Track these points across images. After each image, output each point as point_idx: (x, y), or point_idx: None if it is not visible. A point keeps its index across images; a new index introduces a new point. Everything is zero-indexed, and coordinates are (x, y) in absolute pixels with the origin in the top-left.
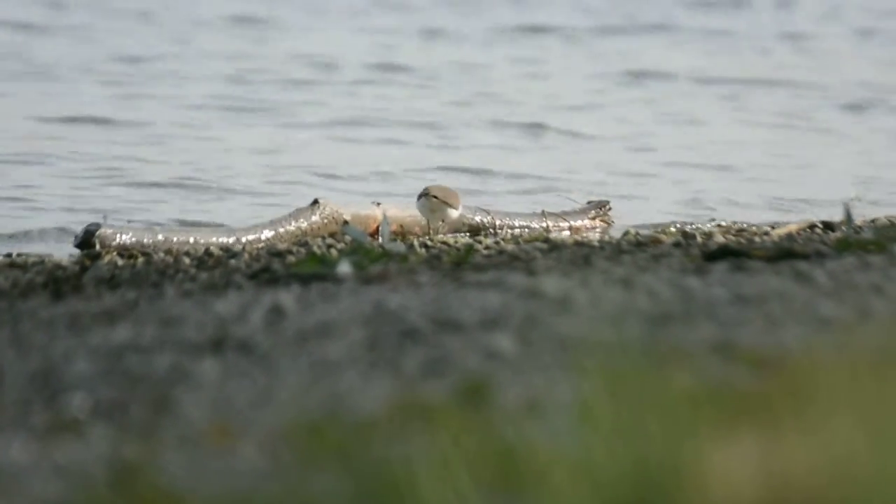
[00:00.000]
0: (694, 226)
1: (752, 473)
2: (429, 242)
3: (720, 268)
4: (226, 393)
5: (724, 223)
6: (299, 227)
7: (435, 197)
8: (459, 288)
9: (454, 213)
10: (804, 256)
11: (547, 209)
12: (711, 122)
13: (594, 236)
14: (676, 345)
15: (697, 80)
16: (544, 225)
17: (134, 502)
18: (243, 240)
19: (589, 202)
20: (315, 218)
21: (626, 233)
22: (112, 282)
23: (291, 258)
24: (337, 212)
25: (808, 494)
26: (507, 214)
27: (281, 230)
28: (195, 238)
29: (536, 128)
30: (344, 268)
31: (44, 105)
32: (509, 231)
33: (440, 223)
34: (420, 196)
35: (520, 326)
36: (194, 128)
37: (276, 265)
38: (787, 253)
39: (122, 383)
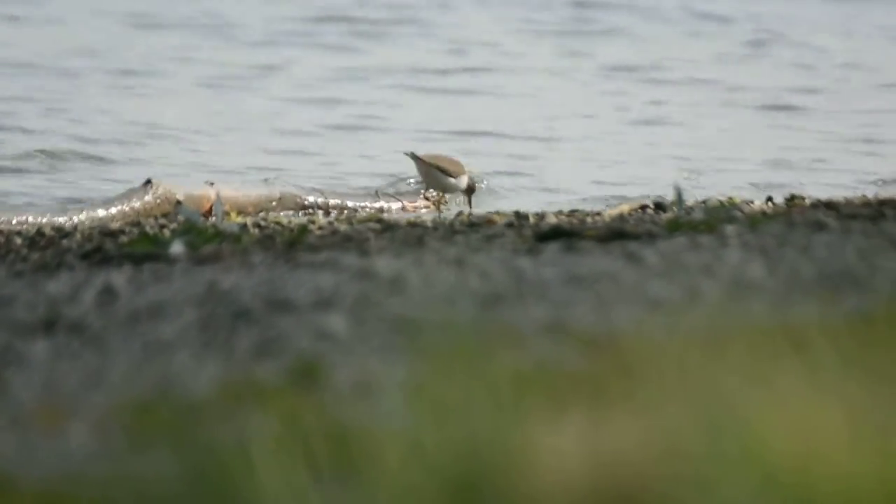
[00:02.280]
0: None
1: (582, 453)
2: (262, 223)
3: (552, 248)
4: (57, 374)
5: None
6: (132, 207)
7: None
8: (293, 268)
9: (453, 182)
10: (635, 237)
11: (381, 190)
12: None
13: (428, 216)
14: (508, 325)
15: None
16: (378, 206)
17: None
18: (75, 220)
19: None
20: (148, 198)
21: (459, 213)
22: None
23: (124, 238)
24: (170, 192)
25: (638, 474)
26: (341, 195)
27: (113, 210)
28: (28, 217)
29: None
30: (176, 248)
31: None
32: (343, 212)
33: (442, 193)
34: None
35: (352, 307)
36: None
37: (109, 245)
38: (618, 233)
39: None
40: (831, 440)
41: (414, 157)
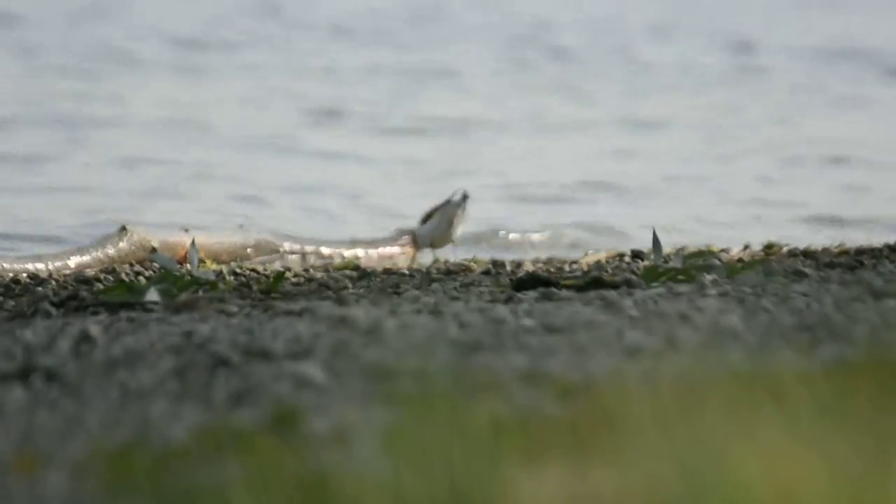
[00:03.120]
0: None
1: (561, 502)
2: (238, 270)
3: (529, 296)
4: (33, 422)
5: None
6: (107, 254)
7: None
8: (269, 316)
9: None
10: (613, 285)
11: (356, 236)
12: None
13: (403, 264)
14: (486, 373)
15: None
16: (353, 253)
17: None
18: (51, 267)
19: (397, 229)
20: (123, 245)
21: (436, 261)
22: None
23: (100, 286)
24: (145, 238)
25: None
26: (316, 241)
27: (88, 257)
28: (3, 265)
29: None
30: (152, 295)
31: None
32: (316, 258)
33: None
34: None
35: (329, 355)
36: None
37: (85, 293)
38: (595, 282)
39: None
40: (811, 492)
41: (464, 196)
